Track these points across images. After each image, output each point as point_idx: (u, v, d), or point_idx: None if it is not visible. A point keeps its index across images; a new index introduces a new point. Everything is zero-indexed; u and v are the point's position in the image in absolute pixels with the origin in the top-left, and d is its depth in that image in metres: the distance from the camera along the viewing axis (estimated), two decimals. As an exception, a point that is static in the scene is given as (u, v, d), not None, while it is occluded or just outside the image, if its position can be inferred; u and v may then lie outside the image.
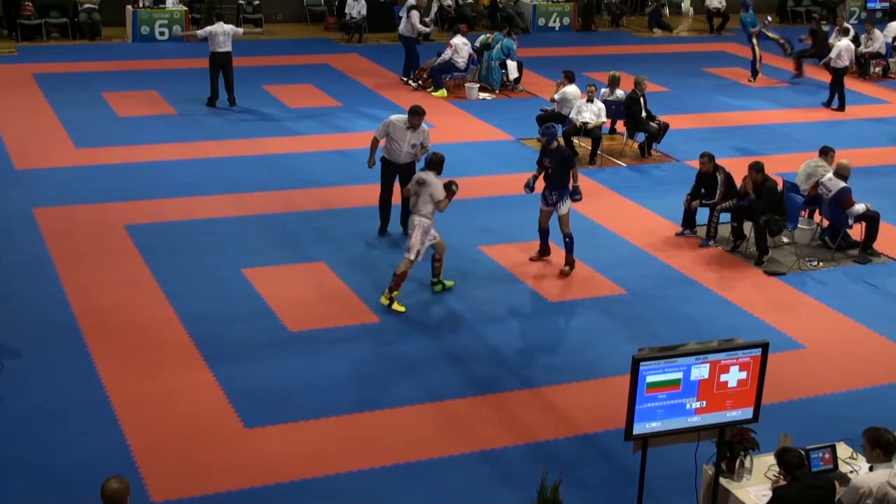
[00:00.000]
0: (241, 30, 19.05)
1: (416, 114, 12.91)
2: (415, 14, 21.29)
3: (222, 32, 18.36)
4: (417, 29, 21.30)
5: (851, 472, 7.57)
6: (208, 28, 18.62)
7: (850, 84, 22.46)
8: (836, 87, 20.71)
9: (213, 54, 18.44)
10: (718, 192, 13.35)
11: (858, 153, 17.24)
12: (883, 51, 23.88)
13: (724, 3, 28.25)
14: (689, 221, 13.80)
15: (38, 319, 10.78)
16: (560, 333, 11.16)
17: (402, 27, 21.47)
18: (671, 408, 6.97)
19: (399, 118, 13.04)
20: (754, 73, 22.82)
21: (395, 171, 13.09)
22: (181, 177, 15.20)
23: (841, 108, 20.62)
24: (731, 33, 27.58)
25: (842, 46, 20.74)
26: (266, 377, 9.91)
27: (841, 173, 13.32)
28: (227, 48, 18.41)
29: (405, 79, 21.32)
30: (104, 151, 16.16)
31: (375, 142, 13.18)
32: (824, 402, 10.00)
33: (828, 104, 20.84)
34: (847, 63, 20.77)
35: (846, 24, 22.31)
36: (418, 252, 11.28)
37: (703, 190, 13.59)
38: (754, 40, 22.68)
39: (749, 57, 23.12)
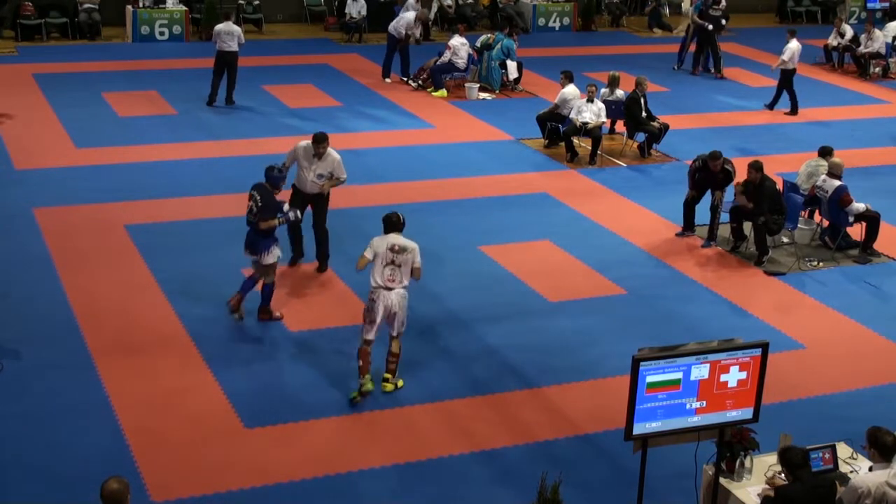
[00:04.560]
0: (242, 38, 18.84)
1: (318, 142, 11.77)
2: (410, 17, 21.26)
3: (227, 32, 18.38)
4: (408, 34, 21.20)
5: (851, 472, 7.58)
6: (216, 28, 18.61)
7: (851, 84, 22.50)
8: (785, 89, 19.98)
9: (217, 53, 18.47)
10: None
11: (859, 153, 17.26)
12: (883, 51, 23.86)
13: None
14: (689, 222, 13.81)
15: (38, 319, 10.78)
16: (560, 333, 11.15)
17: (392, 25, 21.33)
18: (671, 408, 6.98)
19: (307, 144, 11.91)
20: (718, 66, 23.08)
21: (305, 201, 12.05)
22: (181, 177, 15.20)
23: (793, 111, 19.95)
24: (732, 33, 27.54)
25: (792, 48, 19.74)
26: (266, 377, 9.92)
27: (834, 172, 13.32)
28: (232, 48, 18.40)
29: (405, 78, 21.31)
30: (104, 151, 16.15)
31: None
32: (824, 402, 10.00)
33: (771, 106, 20.21)
34: (794, 66, 19.82)
35: (793, 27, 21.82)
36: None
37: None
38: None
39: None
